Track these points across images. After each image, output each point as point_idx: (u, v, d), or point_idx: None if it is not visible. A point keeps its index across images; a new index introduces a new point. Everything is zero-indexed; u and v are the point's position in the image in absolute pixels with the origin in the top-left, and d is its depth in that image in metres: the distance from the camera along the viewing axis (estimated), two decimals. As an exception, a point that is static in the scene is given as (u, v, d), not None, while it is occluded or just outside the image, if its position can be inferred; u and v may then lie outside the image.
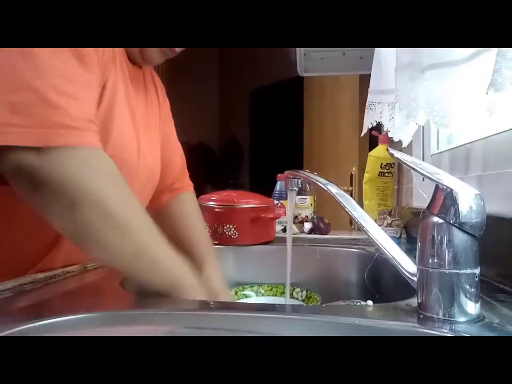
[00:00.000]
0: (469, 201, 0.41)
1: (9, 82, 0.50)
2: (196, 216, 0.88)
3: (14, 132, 0.49)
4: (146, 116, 0.79)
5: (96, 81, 0.60)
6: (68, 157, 0.51)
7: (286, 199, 1.35)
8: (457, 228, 0.41)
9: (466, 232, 0.41)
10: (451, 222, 0.41)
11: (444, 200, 0.42)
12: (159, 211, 0.88)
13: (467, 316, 0.41)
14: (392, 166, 1.32)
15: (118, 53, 0.68)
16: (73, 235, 0.54)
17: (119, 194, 0.55)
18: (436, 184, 0.43)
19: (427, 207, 0.43)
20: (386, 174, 1.31)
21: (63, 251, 0.68)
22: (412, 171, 0.46)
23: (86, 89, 0.56)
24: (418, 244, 0.44)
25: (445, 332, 0.39)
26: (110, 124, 0.64)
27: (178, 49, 0.73)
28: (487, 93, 0.45)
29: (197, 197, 1.02)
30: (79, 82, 0.55)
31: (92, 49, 0.58)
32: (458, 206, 0.41)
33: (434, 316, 0.42)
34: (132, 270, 0.56)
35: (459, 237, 0.41)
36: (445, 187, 0.42)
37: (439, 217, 0.42)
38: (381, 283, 0.82)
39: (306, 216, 1.34)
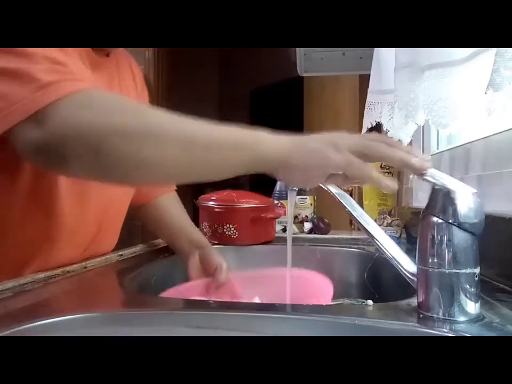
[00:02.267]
0: (466, 200, 0.41)
1: None
2: (185, 215, 0.90)
3: (4, 115, 0.46)
4: None
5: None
6: (65, 108, 0.47)
7: (286, 199, 1.35)
8: (457, 227, 0.41)
9: (466, 231, 0.41)
10: (450, 221, 0.41)
11: (442, 200, 0.42)
12: (143, 205, 0.90)
13: (467, 315, 0.41)
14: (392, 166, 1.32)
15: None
16: (128, 173, 0.49)
17: (136, 112, 0.50)
18: (432, 185, 0.43)
19: (425, 208, 0.44)
20: (386, 174, 1.31)
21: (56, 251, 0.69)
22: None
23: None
24: (418, 244, 0.44)
25: (445, 331, 0.39)
26: None
27: None
28: (486, 93, 0.45)
29: (197, 197, 1.02)
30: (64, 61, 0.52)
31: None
32: (456, 206, 0.41)
33: (434, 315, 0.42)
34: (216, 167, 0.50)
35: (459, 236, 0.41)
36: (441, 187, 0.42)
37: (438, 217, 0.42)
38: (381, 283, 0.82)
39: (306, 216, 1.34)
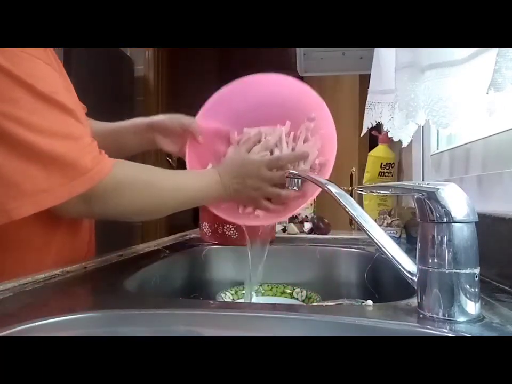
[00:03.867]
0: (449, 195, 0.41)
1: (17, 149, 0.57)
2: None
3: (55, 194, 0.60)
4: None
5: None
6: (103, 192, 0.64)
7: (286, 199, 1.35)
8: (454, 222, 0.41)
9: (465, 223, 0.41)
10: (445, 221, 0.41)
11: (428, 206, 0.42)
12: None
13: (467, 315, 0.41)
14: (392, 165, 1.32)
15: None
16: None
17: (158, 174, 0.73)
18: (414, 196, 0.43)
19: (419, 219, 0.44)
20: (386, 174, 1.31)
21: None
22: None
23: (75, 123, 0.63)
24: (418, 244, 0.44)
25: (445, 331, 0.39)
26: None
27: None
28: (487, 93, 0.45)
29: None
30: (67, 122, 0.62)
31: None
32: (445, 204, 0.41)
33: (434, 315, 0.42)
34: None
35: (459, 234, 0.41)
36: (421, 194, 0.42)
37: (433, 222, 0.42)
38: (381, 283, 0.82)
39: (306, 216, 1.34)
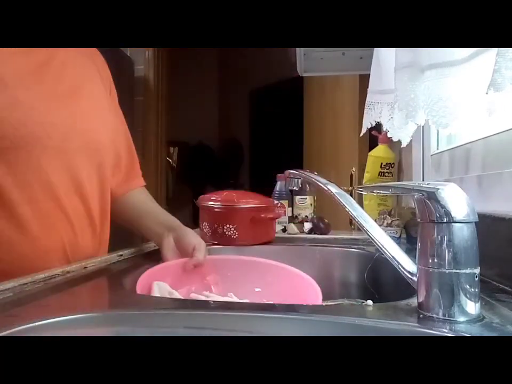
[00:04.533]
0: (449, 195, 0.41)
1: None
2: (155, 204, 0.92)
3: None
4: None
5: None
6: None
7: (286, 199, 1.35)
8: (454, 222, 0.41)
9: (465, 223, 0.41)
10: (445, 221, 0.41)
11: (428, 206, 0.42)
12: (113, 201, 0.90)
13: (467, 315, 0.41)
14: (392, 165, 1.32)
15: None
16: None
17: None
18: (414, 196, 0.43)
19: (419, 219, 0.44)
20: (386, 174, 1.31)
21: None
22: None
23: None
24: (418, 244, 0.44)
25: (445, 331, 0.39)
26: None
27: None
28: (487, 93, 0.45)
29: (197, 197, 1.02)
30: None
31: None
32: (445, 204, 0.41)
33: (434, 315, 0.42)
34: None
35: (459, 234, 0.41)
36: (421, 194, 0.42)
37: (433, 222, 0.42)
38: (381, 283, 0.82)
39: (306, 216, 1.34)
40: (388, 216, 1.04)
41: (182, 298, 0.66)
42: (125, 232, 0.88)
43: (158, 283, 0.64)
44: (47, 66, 0.75)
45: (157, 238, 0.80)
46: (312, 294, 0.62)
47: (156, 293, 0.62)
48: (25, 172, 0.70)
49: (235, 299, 0.69)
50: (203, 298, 0.68)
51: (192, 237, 0.77)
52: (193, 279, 0.73)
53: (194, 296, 0.69)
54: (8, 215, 0.69)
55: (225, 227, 0.95)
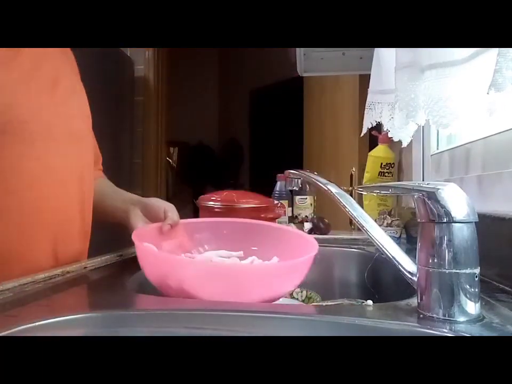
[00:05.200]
0: (449, 195, 0.41)
1: None
2: (117, 188, 0.90)
3: None
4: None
5: None
6: None
7: (286, 199, 1.35)
8: (454, 222, 0.41)
9: (465, 223, 0.41)
10: (445, 221, 0.41)
11: (428, 206, 0.42)
12: None
13: (467, 315, 0.41)
14: (392, 165, 1.32)
15: None
16: None
17: None
18: (414, 196, 0.43)
19: (419, 219, 0.44)
20: (386, 174, 1.31)
21: None
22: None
23: None
24: (418, 244, 0.44)
25: (445, 331, 0.39)
26: None
27: None
28: (488, 93, 0.45)
29: (197, 197, 1.02)
30: None
31: None
32: (445, 204, 0.41)
33: (434, 315, 0.42)
34: None
35: (459, 234, 0.41)
36: (421, 194, 0.42)
37: (433, 222, 0.42)
38: (381, 283, 0.82)
39: (306, 216, 1.34)
40: (388, 216, 1.04)
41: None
42: (125, 232, 0.88)
43: (147, 244, 0.61)
44: (24, 52, 0.71)
45: (123, 214, 0.78)
46: (310, 246, 0.61)
47: None
48: (7, 157, 0.67)
49: (227, 252, 0.69)
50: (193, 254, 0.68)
51: (160, 202, 0.77)
52: (178, 240, 0.71)
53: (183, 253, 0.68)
54: None
55: (225, 227, 0.95)
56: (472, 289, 0.41)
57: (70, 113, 0.78)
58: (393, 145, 1.29)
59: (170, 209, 0.74)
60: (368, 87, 1.03)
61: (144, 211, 0.77)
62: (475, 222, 0.42)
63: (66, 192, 0.76)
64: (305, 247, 0.61)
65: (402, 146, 0.97)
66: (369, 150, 1.40)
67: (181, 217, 0.79)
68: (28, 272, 0.61)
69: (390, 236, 0.51)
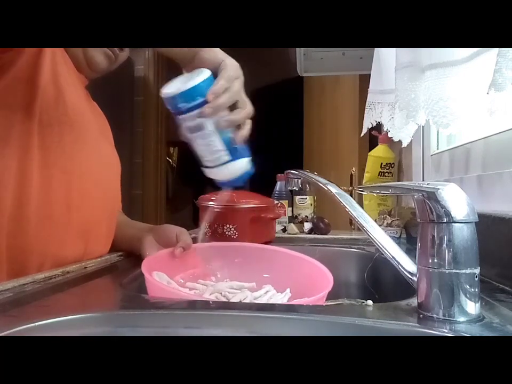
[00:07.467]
0: (449, 195, 0.41)
1: None
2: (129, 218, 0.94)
3: None
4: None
5: None
6: None
7: (286, 199, 1.35)
8: (454, 222, 0.41)
9: (465, 223, 0.41)
10: (445, 221, 0.41)
11: (428, 206, 0.42)
12: None
13: (467, 315, 0.41)
14: (392, 165, 1.32)
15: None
16: None
17: None
18: (414, 196, 0.43)
19: (419, 219, 0.44)
20: (386, 174, 1.31)
21: None
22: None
23: None
24: (418, 244, 0.44)
25: (445, 331, 0.39)
26: None
27: (121, 53, 0.79)
28: (488, 93, 0.45)
29: (197, 197, 1.02)
30: None
31: None
32: (445, 204, 0.41)
33: (434, 315, 0.42)
34: None
35: (459, 234, 0.41)
36: (421, 194, 0.42)
37: (433, 222, 0.42)
38: (381, 283, 0.82)
39: (306, 216, 1.34)
40: (388, 216, 1.04)
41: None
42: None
43: (158, 273, 0.63)
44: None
45: (137, 242, 0.79)
46: (324, 280, 0.60)
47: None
48: (67, 145, 0.71)
49: (239, 284, 0.68)
50: (201, 286, 0.68)
51: (172, 227, 0.79)
52: (190, 265, 0.71)
53: (190, 285, 0.68)
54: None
55: (225, 227, 0.95)
56: (472, 289, 0.41)
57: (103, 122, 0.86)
58: (393, 145, 1.30)
59: (182, 233, 0.75)
60: (368, 87, 1.03)
61: (157, 237, 0.78)
62: (475, 222, 0.42)
63: (103, 192, 0.79)
64: (320, 280, 0.61)
65: (402, 146, 0.97)
66: (369, 150, 1.40)
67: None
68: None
69: (390, 236, 0.51)
